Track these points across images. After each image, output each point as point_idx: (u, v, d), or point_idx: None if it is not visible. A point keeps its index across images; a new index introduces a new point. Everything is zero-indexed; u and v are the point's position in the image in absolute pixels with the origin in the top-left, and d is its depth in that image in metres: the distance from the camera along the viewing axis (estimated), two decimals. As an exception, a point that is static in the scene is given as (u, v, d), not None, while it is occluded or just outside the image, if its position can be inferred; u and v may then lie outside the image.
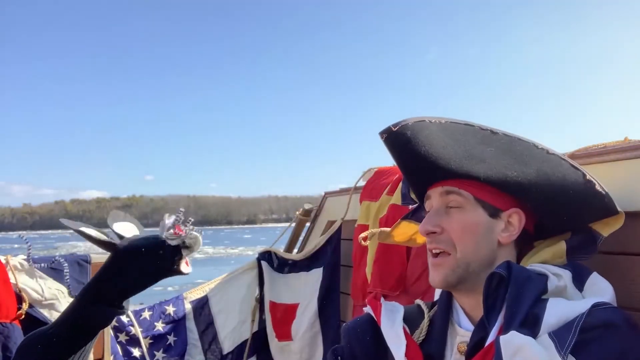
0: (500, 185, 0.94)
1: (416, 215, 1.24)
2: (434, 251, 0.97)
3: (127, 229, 1.31)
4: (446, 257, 0.95)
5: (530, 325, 0.81)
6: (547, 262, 0.98)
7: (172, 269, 1.23)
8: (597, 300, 0.83)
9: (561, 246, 0.99)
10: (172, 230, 1.21)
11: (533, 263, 0.96)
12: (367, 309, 1.07)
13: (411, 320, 1.04)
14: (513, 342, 0.77)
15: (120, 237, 1.26)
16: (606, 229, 0.97)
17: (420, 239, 1.24)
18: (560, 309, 0.82)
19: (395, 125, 0.94)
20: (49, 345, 1.18)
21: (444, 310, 1.01)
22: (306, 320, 2.27)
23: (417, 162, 0.95)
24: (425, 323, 1.02)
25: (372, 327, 1.03)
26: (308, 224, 2.62)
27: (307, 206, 2.63)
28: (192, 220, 1.26)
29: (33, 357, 1.18)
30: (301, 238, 2.68)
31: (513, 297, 0.84)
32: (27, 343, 1.21)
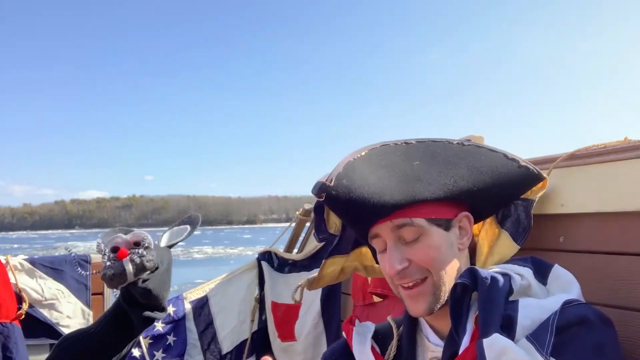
0: (447, 197, 0.92)
1: (337, 248, 1.21)
2: (405, 285, 0.92)
3: None
4: (423, 284, 0.91)
5: (506, 329, 0.80)
6: (506, 256, 1.02)
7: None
8: (567, 298, 0.82)
9: (505, 236, 1.05)
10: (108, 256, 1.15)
11: (491, 264, 0.98)
12: (343, 334, 1.08)
13: (383, 338, 1.04)
14: (497, 345, 0.76)
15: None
16: (532, 194, 1.05)
17: (348, 271, 1.24)
18: (533, 310, 0.82)
19: (329, 180, 0.88)
20: (87, 344, 1.19)
21: (411, 327, 1.00)
22: (309, 320, 2.27)
23: (362, 207, 0.89)
24: (394, 341, 1.02)
25: (347, 352, 1.04)
26: (308, 224, 2.62)
27: (307, 206, 2.63)
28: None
29: (71, 354, 1.19)
30: (301, 238, 2.68)
31: (484, 302, 0.83)
32: (67, 339, 1.23)
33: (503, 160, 0.98)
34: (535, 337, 0.77)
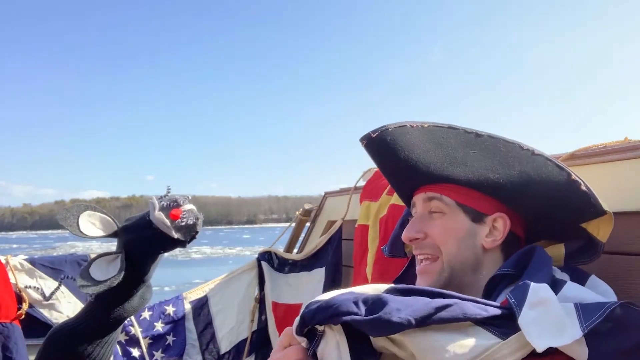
0: (480, 187, 0.93)
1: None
2: (419, 257, 0.98)
3: (92, 231, 1.31)
4: (432, 262, 0.95)
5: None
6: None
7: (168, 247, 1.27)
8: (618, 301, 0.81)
9: (559, 249, 0.98)
10: (165, 220, 1.21)
11: None
12: None
13: None
14: (542, 292, 0.75)
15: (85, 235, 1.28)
16: (601, 232, 0.94)
17: None
18: (577, 289, 0.82)
19: (374, 131, 0.95)
20: (77, 333, 1.21)
21: None
22: None
23: (398, 167, 0.96)
24: None
25: None
26: (308, 224, 2.62)
27: (307, 206, 2.63)
28: (189, 197, 1.27)
29: (60, 344, 1.20)
30: (301, 238, 2.68)
31: (529, 274, 0.83)
32: (55, 331, 1.24)
33: (565, 178, 0.91)
34: (584, 309, 0.74)
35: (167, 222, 1.21)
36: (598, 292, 0.88)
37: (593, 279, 0.92)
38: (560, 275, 0.90)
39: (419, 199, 0.99)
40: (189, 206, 1.25)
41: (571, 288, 0.82)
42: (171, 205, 1.23)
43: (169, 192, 1.26)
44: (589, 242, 0.96)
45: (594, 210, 0.92)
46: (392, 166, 0.98)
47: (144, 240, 1.24)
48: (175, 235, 1.21)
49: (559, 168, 0.92)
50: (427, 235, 0.95)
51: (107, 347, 1.25)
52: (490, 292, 0.89)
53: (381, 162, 1.01)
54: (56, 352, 1.23)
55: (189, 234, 1.25)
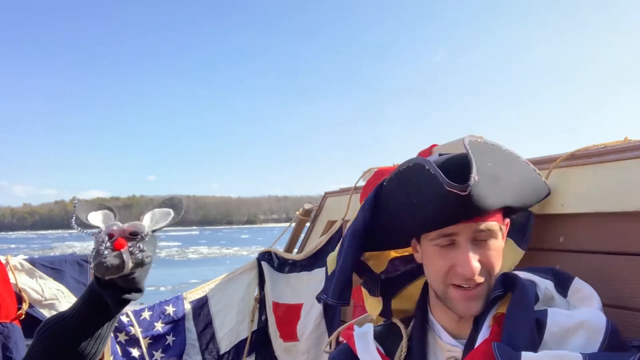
0: (508, 205, 0.94)
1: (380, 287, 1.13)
2: (466, 285, 0.90)
3: (99, 219, 1.21)
4: (480, 286, 0.91)
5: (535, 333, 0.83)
6: (515, 262, 1.08)
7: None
8: (592, 311, 0.86)
9: (511, 243, 1.10)
10: (107, 244, 1.03)
11: (515, 270, 1.00)
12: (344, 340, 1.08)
13: (386, 339, 1.04)
14: None
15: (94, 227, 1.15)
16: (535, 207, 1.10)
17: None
18: (562, 318, 0.85)
19: (474, 173, 0.83)
20: (66, 327, 1.17)
21: (423, 325, 1.00)
22: (312, 320, 2.26)
23: (469, 206, 0.85)
24: (404, 342, 1.01)
25: (351, 356, 1.04)
26: (308, 224, 2.62)
27: (307, 206, 2.62)
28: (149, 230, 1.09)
29: (50, 338, 1.17)
30: (301, 238, 2.67)
31: (514, 307, 0.87)
32: (45, 324, 1.20)
33: (533, 173, 1.03)
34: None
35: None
36: (580, 297, 0.92)
37: (577, 282, 0.94)
38: (543, 283, 0.93)
39: (464, 229, 0.89)
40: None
41: (555, 321, 0.84)
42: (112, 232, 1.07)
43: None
44: (522, 215, 1.13)
45: (546, 194, 1.09)
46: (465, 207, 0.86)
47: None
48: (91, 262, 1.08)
49: (537, 174, 1.03)
50: (481, 263, 0.90)
51: (97, 343, 1.21)
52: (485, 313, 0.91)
53: (462, 205, 0.86)
54: (42, 345, 1.20)
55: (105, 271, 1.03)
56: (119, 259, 1.02)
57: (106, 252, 1.02)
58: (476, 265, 0.88)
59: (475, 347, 0.87)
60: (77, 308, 1.20)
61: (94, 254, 1.04)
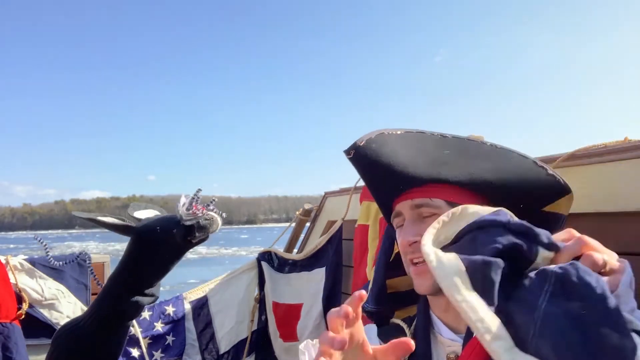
0: (468, 184, 0.94)
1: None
2: (414, 260, 0.96)
3: (148, 215, 1.36)
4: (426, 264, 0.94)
5: None
6: None
7: (186, 246, 1.30)
8: None
9: None
10: (188, 210, 1.27)
11: None
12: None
13: (390, 338, 1.04)
14: None
15: (139, 220, 1.31)
16: (562, 208, 1.00)
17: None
18: None
19: (360, 140, 0.94)
20: (81, 337, 1.20)
21: (425, 323, 1.00)
22: (312, 320, 2.26)
23: (385, 175, 0.95)
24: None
25: None
26: (308, 224, 2.62)
27: (307, 206, 2.63)
28: (215, 200, 1.33)
29: (66, 347, 1.20)
30: (301, 238, 2.68)
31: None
32: (60, 334, 1.23)
33: (532, 165, 0.98)
34: None
35: (185, 209, 1.26)
36: None
37: None
38: None
39: (404, 206, 0.97)
40: (212, 213, 1.31)
41: None
42: (198, 202, 1.29)
43: (199, 192, 1.32)
44: (554, 220, 1.01)
45: (557, 191, 0.98)
46: (379, 174, 0.96)
47: (162, 224, 1.28)
48: (186, 221, 1.25)
49: (521, 156, 0.98)
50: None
51: (111, 348, 1.23)
52: None
53: (368, 171, 0.99)
54: (58, 352, 1.22)
55: (200, 230, 1.29)
56: (212, 219, 1.31)
57: (201, 214, 1.30)
58: (410, 236, 0.94)
59: (472, 338, 0.86)
60: (93, 316, 1.22)
61: (191, 218, 1.27)
